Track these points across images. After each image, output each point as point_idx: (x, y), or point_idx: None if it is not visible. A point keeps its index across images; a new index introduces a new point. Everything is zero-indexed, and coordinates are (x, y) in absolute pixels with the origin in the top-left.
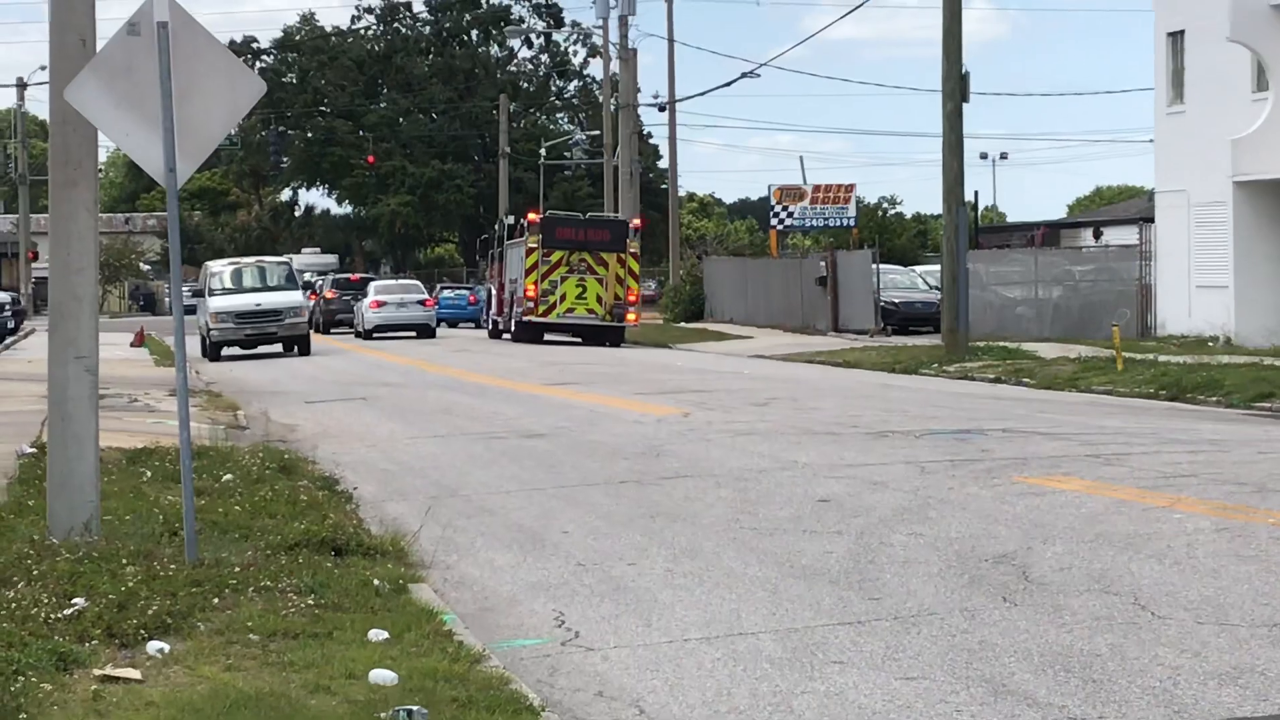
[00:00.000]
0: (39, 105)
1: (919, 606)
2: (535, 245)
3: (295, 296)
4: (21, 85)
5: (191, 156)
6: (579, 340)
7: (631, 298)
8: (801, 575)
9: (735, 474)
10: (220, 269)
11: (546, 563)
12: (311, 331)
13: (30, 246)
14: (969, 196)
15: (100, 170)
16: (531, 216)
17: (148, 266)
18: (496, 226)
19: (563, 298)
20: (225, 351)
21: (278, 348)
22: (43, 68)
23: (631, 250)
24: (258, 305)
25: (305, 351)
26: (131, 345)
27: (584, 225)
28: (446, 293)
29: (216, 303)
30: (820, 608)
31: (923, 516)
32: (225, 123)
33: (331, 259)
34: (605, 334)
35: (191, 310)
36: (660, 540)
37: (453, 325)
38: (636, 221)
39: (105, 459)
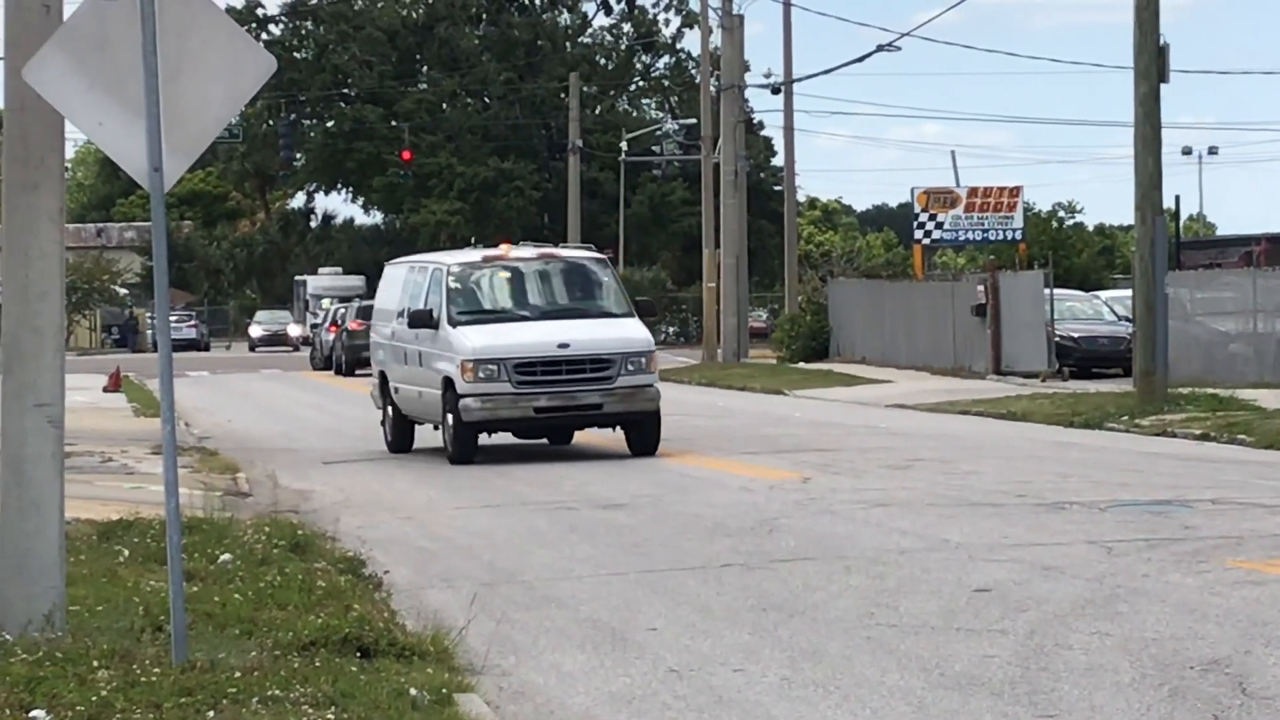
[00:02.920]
0: None
1: None
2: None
3: (632, 329)
4: None
5: (182, 152)
6: None
7: None
8: (955, 685)
9: (869, 556)
10: (465, 269)
11: (629, 668)
12: (331, 370)
13: None
14: (1169, 202)
15: (67, 170)
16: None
17: (125, 290)
18: None
19: None
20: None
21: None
22: None
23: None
24: (563, 348)
25: (650, 446)
26: (105, 390)
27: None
28: None
29: (471, 340)
30: None
31: (1110, 611)
32: (225, 109)
33: (356, 281)
34: None
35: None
36: (773, 640)
37: None
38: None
39: (72, 534)
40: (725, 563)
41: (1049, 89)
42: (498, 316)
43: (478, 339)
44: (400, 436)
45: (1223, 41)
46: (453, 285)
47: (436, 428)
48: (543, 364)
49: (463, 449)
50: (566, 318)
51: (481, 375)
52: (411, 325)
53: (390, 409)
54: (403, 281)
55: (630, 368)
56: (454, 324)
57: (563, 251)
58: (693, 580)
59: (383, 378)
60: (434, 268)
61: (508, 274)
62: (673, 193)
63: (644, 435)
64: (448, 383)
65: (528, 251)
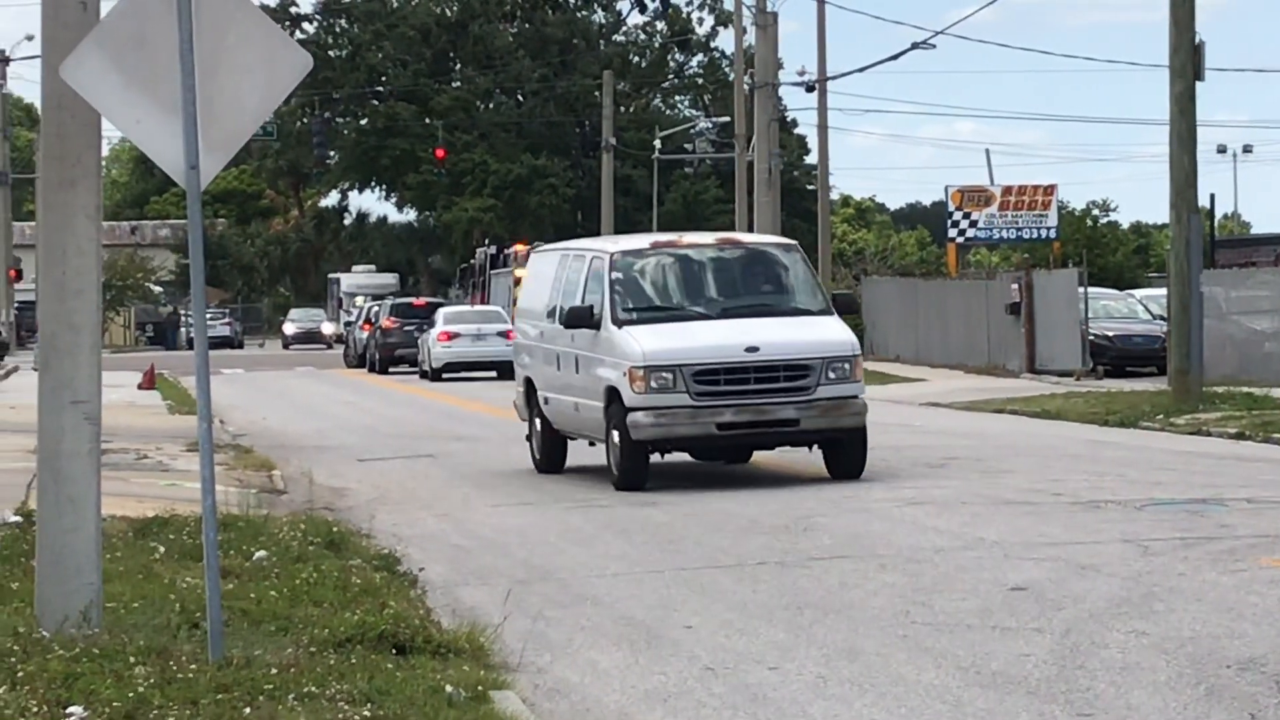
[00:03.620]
0: (27, 86)
1: None
2: (523, 274)
3: (832, 329)
4: (3, 60)
5: (219, 149)
6: None
7: None
8: (991, 684)
9: (904, 554)
10: (630, 258)
11: (665, 665)
12: (365, 368)
13: (13, 262)
14: (1204, 201)
15: (102, 167)
16: (519, 247)
17: (160, 288)
18: (478, 256)
19: None
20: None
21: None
22: (31, 38)
23: None
24: (752, 352)
25: (855, 468)
26: (140, 387)
27: None
28: None
29: (641, 342)
30: None
31: (1146, 610)
32: (261, 107)
33: (390, 279)
34: None
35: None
36: (809, 638)
37: None
38: None
39: (108, 531)
40: (760, 560)
41: (1083, 87)
42: (671, 314)
43: (649, 341)
44: (550, 454)
45: (1258, 39)
46: (616, 277)
47: (592, 444)
48: (727, 371)
49: (631, 472)
50: (753, 316)
51: (654, 385)
52: (568, 324)
53: (538, 422)
54: (553, 273)
55: (832, 375)
56: (619, 323)
57: (746, 237)
58: (727, 578)
59: (528, 385)
60: (593, 256)
61: (681, 264)
62: (706, 191)
63: (847, 456)
64: (612, 393)
65: (705, 237)
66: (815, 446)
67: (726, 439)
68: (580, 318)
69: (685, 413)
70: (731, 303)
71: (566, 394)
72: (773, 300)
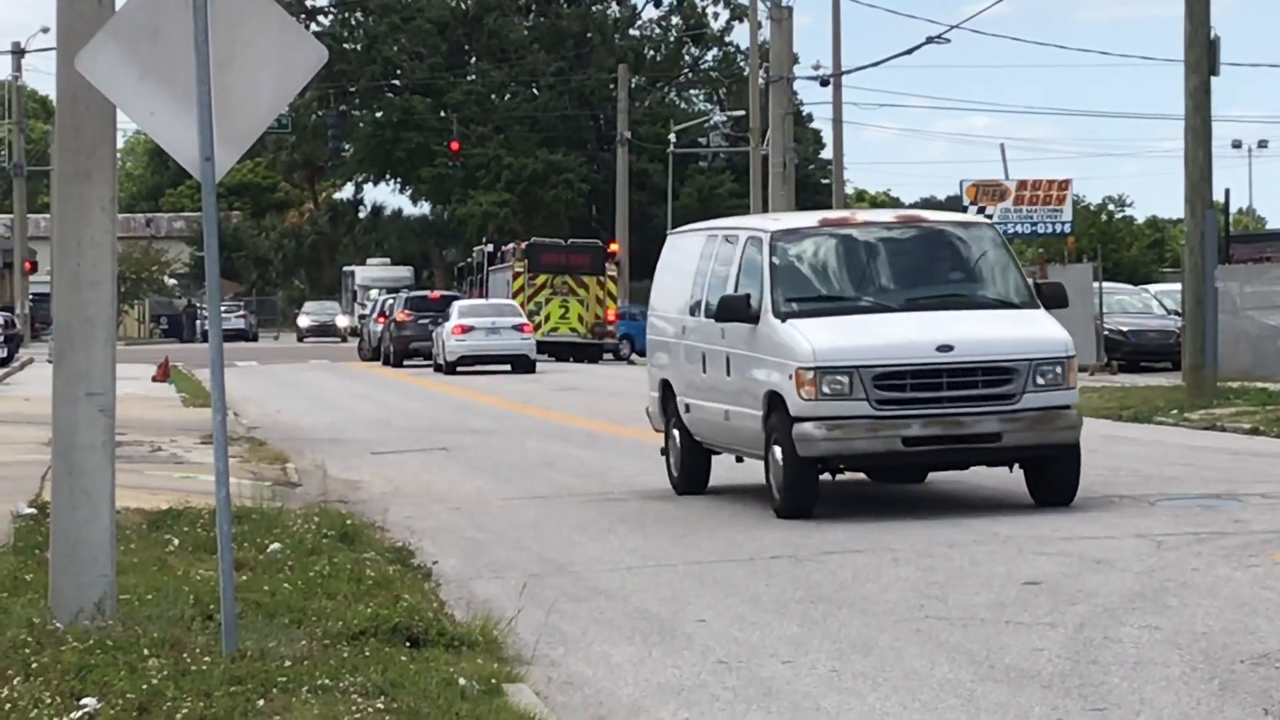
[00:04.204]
0: (42, 77)
1: (1155, 719)
2: (521, 269)
3: (1039, 325)
4: (19, 52)
5: (233, 142)
6: (554, 358)
7: (610, 317)
8: (1004, 678)
9: (917, 548)
10: (793, 239)
11: (678, 658)
12: (379, 361)
13: (27, 255)
14: (1218, 196)
15: (117, 160)
16: (518, 244)
17: (174, 281)
18: (475, 254)
19: (547, 318)
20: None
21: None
22: (46, 30)
23: (610, 274)
24: (944, 352)
25: (1067, 493)
26: (154, 380)
27: (566, 250)
28: None
29: (811, 339)
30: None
31: (1159, 604)
32: (276, 100)
33: (404, 272)
34: (586, 351)
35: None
36: (822, 632)
37: None
38: (615, 247)
39: (122, 523)
40: (774, 554)
41: (1098, 82)
42: (845, 306)
43: (820, 337)
44: (692, 471)
45: (1274, 34)
46: (776, 262)
47: (740, 460)
48: (915, 374)
49: (798, 496)
50: (943, 308)
51: (826, 390)
52: (720, 318)
53: (678, 433)
54: (697, 259)
55: (1040, 380)
56: (782, 316)
57: (930, 215)
58: (741, 572)
59: (665, 389)
60: (747, 237)
61: (854, 246)
62: (721, 185)
63: (1057, 478)
64: (773, 400)
65: (882, 214)
66: (1016, 466)
67: (914, 456)
68: (734, 309)
69: (864, 424)
70: (916, 292)
71: (714, 400)
72: (966, 290)
